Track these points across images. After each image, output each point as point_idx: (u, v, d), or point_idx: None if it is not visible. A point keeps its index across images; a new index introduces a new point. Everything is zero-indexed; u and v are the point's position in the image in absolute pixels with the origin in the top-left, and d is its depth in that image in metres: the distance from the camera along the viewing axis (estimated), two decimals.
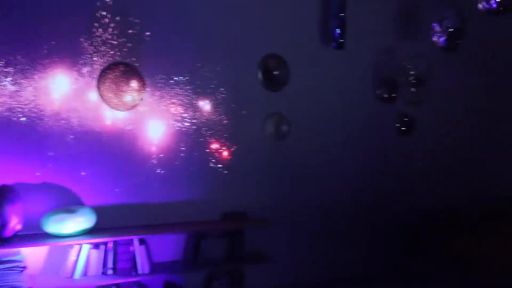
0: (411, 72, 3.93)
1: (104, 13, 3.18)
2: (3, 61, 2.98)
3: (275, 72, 3.74)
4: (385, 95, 4.04)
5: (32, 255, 3.08)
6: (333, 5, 3.74)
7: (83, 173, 3.21)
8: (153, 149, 3.41)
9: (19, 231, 2.92)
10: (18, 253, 2.93)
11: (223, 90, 3.59)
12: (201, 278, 3.59)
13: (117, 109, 3.16)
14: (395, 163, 4.27)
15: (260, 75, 3.70)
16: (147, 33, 3.31)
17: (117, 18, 3.22)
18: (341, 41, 3.67)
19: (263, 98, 3.75)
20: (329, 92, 4.00)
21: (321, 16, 3.87)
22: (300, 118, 3.88)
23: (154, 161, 3.41)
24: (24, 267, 2.89)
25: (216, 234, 3.49)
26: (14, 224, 2.86)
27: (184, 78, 3.46)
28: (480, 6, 3.51)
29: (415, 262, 4.04)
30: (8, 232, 2.84)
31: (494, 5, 3.26)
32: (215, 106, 3.58)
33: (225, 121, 3.62)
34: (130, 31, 3.26)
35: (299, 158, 3.93)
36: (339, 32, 3.66)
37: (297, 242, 3.96)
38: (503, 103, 4.67)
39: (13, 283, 2.82)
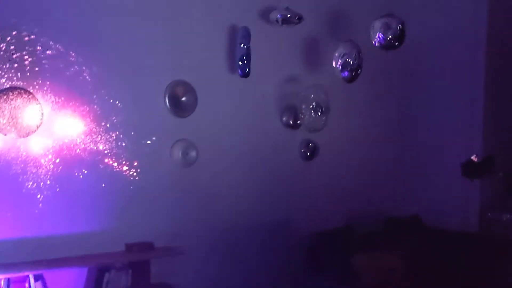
0: (313, 101, 4.13)
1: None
2: None
3: (183, 99, 3.74)
4: (290, 122, 4.20)
5: None
6: (238, 35, 3.85)
7: None
8: (50, 177, 3.22)
9: None
10: None
11: (127, 116, 3.51)
12: None
13: (10, 136, 2.97)
14: (300, 185, 4.43)
15: (167, 101, 3.68)
16: (45, 55, 3.16)
17: (11, 38, 3.05)
18: (247, 70, 3.78)
19: (170, 124, 3.73)
20: (237, 119, 4.07)
21: (227, 44, 3.96)
22: (208, 144, 3.89)
23: (51, 190, 3.22)
24: None
25: (120, 266, 3.37)
26: None
27: (85, 103, 3.34)
28: (373, 41, 3.85)
29: (316, 280, 4.19)
30: None
31: (382, 41, 3.59)
32: (119, 132, 3.48)
33: (130, 148, 3.53)
34: (25, 54, 3.09)
35: (207, 184, 3.92)
36: (245, 60, 3.76)
37: (206, 269, 3.92)
38: (396, 132, 5.07)
39: None
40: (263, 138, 4.21)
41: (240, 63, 3.79)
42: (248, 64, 3.79)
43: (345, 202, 4.66)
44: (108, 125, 3.44)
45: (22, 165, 3.13)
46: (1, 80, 3.02)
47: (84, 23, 3.36)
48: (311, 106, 4.11)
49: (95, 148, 3.40)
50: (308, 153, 4.37)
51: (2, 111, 2.90)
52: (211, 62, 3.92)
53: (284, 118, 4.26)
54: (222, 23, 3.95)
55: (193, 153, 3.79)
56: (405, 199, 4.91)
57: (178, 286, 3.63)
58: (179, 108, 3.73)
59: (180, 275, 3.73)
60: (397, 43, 3.86)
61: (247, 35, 3.80)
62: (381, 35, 3.82)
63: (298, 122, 4.22)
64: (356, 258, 3.99)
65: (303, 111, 4.14)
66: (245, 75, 3.82)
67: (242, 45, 3.79)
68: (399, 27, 3.81)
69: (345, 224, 4.54)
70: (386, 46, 3.88)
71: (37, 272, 3.06)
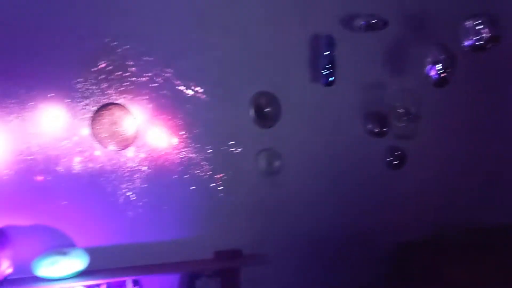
0: (401, 107, 3.99)
1: (104, 52, 3.24)
2: None
3: (267, 109, 3.78)
4: (376, 130, 4.08)
5: None
6: (322, 43, 3.82)
7: (75, 213, 3.20)
8: (144, 187, 3.40)
9: (9, 275, 2.88)
10: None
11: (214, 127, 3.63)
12: None
13: (110, 149, 3.17)
14: (386, 195, 4.28)
15: (252, 112, 3.74)
16: (137, 70, 3.35)
17: (116, 58, 3.27)
18: (331, 79, 3.73)
19: (255, 134, 3.78)
20: (321, 128, 4.03)
21: (310, 53, 3.94)
22: (292, 154, 3.89)
23: (146, 200, 3.40)
24: None
25: (211, 273, 3.46)
26: (5, 268, 2.82)
27: (174, 115, 3.49)
28: (464, 42, 3.64)
29: None
30: None
31: (474, 43, 3.39)
32: (206, 142, 3.60)
33: (218, 157, 3.63)
34: (128, 71, 3.30)
35: (291, 193, 3.93)
36: (329, 69, 3.72)
37: (290, 278, 3.93)
38: (491, 137, 4.73)
39: None
40: (348, 147, 4.12)
41: (325, 71, 3.75)
42: (332, 73, 3.74)
43: (435, 212, 4.43)
44: (195, 136, 3.57)
45: (119, 175, 3.34)
46: (108, 92, 3.25)
47: (172, 38, 3.52)
48: (399, 113, 3.98)
49: (184, 158, 3.54)
50: (396, 162, 4.20)
51: (103, 125, 3.11)
52: (294, 71, 3.92)
53: (369, 126, 4.14)
54: (305, 32, 3.93)
55: (277, 163, 3.81)
56: (503, 208, 4.58)
57: None
58: (263, 118, 3.77)
59: (269, 283, 3.76)
60: (491, 45, 3.62)
61: (331, 43, 3.76)
62: (473, 37, 3.61)
63: (385, 129, 4.08)
64: (448, 270, 3.79)
65: (391, 118, 4.01)
66: (330, 84, 3.77)
67: (326, 53, 3.76)
68: (493, 26, 3.57)
69: (434, 235, 4.33)
70: (479, 47, 3.65)
71: (134, 277, 3.23)
